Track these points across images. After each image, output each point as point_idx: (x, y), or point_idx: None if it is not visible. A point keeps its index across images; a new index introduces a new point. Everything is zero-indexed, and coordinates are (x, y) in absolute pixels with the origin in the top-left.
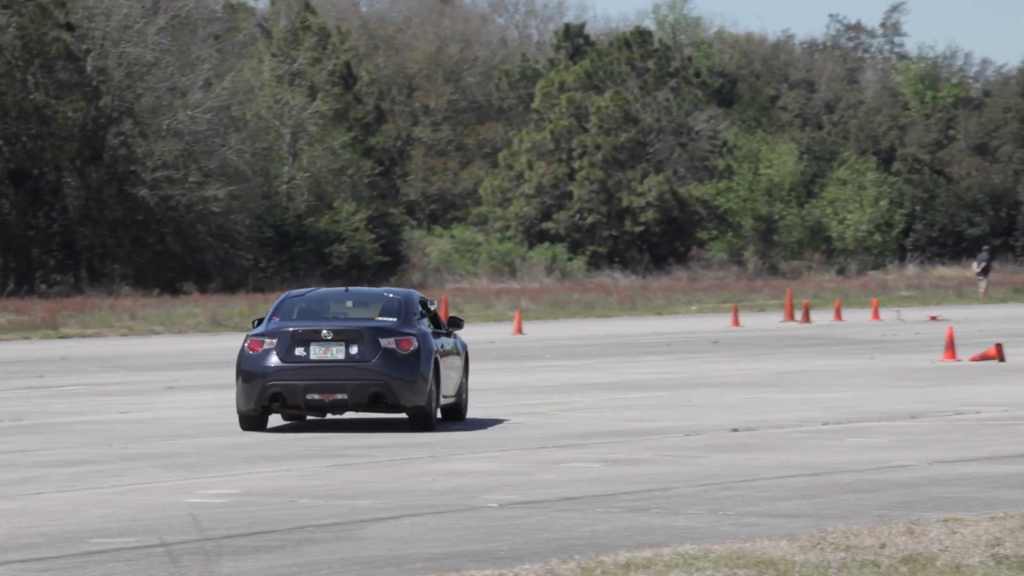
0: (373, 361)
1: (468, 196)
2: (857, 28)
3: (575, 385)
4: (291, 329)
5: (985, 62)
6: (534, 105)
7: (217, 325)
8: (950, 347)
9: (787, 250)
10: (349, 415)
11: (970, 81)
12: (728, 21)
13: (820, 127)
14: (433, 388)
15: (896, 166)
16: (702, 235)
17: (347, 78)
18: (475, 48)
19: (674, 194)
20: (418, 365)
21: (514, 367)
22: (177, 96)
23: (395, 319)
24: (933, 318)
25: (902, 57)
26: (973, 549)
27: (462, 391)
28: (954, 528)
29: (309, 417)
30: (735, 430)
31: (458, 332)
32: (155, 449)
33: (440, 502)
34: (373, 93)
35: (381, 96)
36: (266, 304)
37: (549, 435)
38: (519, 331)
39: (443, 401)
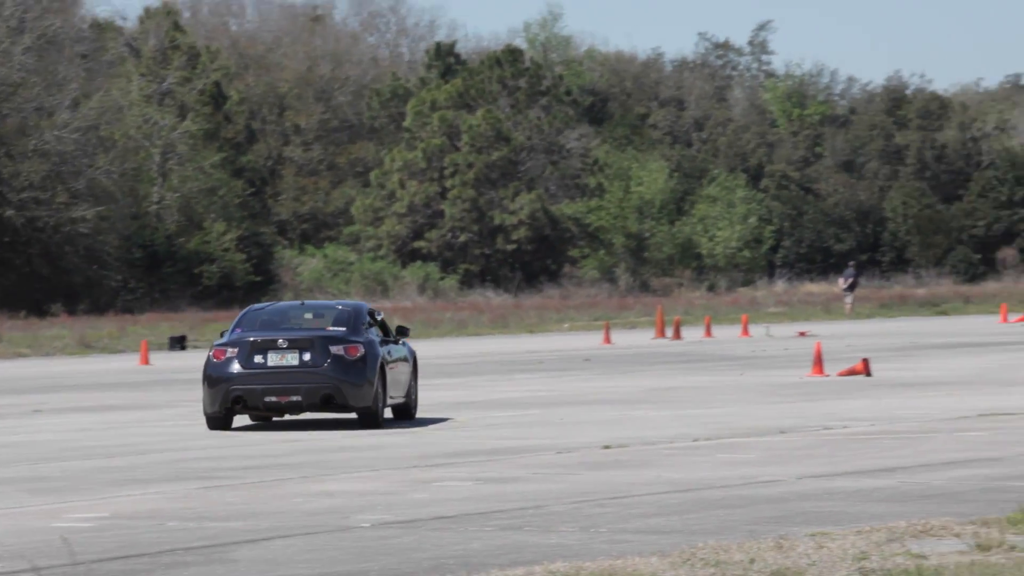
0: (324, 367)
1: (340, 215)
2: (725, 46)
3: (448, 404)
4: (251, 339)
5: (851, 80)
6: (406, 124)
7: (85, 347)
8: (818, 363)
9: (658, 267)
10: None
11: (836, 99)
12: (599, 40)
13: (690, 144)
14: (379, 390)
15: (764, 183)
16: (574, 253)
17: (217, 97)
18: (346, 67)
19: (546, 212)
20: (364, 370)
21: None
22: (44, 116)
23: (344, 328)
24: (801, 334)
25: (769, 75)
26: (840, 563)
27: (411, 393)
28: (822, 542)
29: (275, 419)
30: (607, 447)
31: (406, 340)
32: (22, 473)
33: (312, 523)
34: (243, 112)
35: (252, 115)
36: (135, 326)
37: (422, 454)
38: None
39: (392, 402)
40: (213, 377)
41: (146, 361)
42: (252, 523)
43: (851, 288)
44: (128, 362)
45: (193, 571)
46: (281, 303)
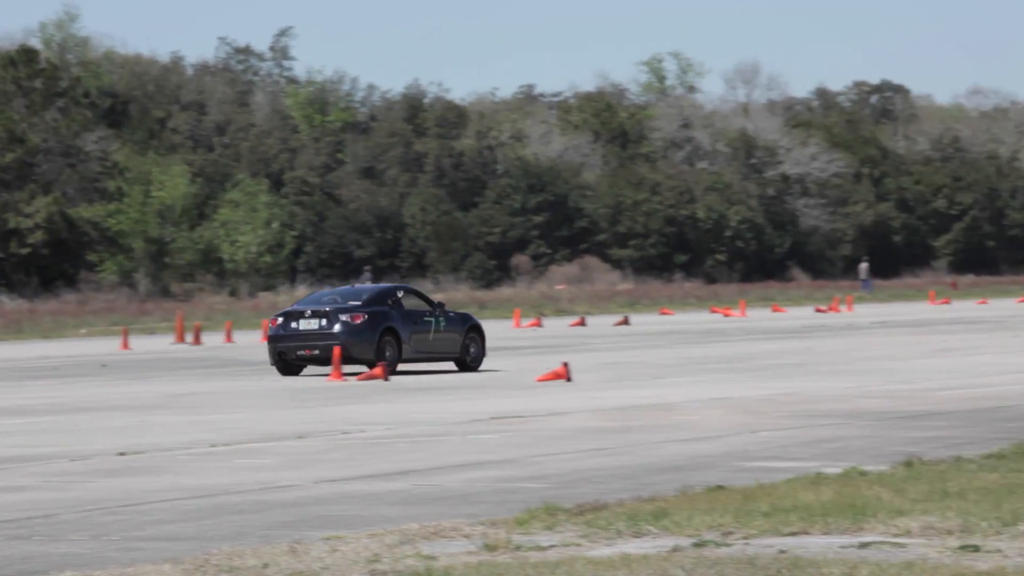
0: (335, 329)
1: None
2: (247, 51)
3: None
4: (289, 310)
5: (371, 87)
6: None
7: None
8: (337, 367)
9: (179, 272)
10: None
11: (357, 106)
12: (117, 41)
13: (211, 149)
14: (385, 348)
15: (286, 189)
16: (92, 257)
17: None
18: None
19: (63, 215)
20: (365, 331)
21: None
22: None
23: (359, 303)
24: None
25: (291, 81)
26: (353, 566)
27: (468, 350)
28: (335, 546)
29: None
30: (122, 454)
31: (452, 311)
32: None
33: None
34: None
35: None
36: None
37: None
38: None
39: (443, 357)
40: (269, 337)
41: None
42: None
43: None
44: None
45: None
46: (339, 288)
